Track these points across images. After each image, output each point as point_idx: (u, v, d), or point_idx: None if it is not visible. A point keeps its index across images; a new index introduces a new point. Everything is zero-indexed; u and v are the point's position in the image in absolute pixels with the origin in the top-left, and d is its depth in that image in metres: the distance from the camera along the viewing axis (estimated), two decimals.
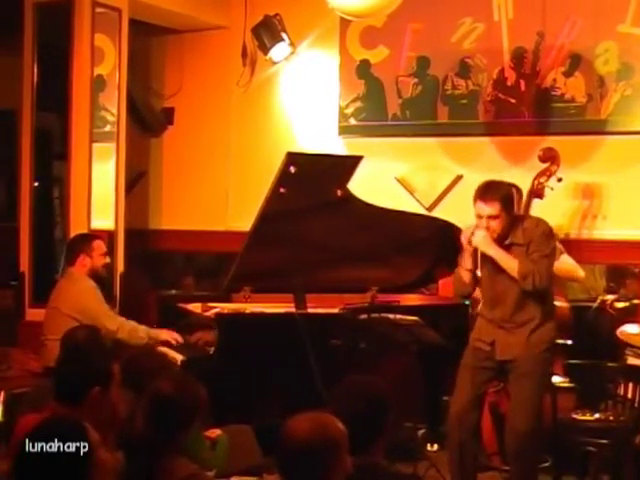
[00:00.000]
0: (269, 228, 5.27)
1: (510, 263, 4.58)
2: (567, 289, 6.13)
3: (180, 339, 5.51)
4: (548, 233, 4.70)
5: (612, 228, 6.31)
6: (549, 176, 5.82)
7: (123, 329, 5.41)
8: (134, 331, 5.44)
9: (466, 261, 4.69)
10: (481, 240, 4.57)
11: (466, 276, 4.74)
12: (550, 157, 5.87)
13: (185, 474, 3.03)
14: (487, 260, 4.63)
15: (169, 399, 3.14)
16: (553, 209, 5.97)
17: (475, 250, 4.62)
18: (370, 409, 3.01)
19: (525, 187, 5.89)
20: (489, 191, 4.59)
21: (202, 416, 3.26)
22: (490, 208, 4.55)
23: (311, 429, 2.65)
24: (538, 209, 5.72)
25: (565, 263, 5.85)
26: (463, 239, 4.66)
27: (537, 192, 5.82)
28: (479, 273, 4.64)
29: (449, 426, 4.80)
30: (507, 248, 4.62)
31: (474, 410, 4.76)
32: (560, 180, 5.83)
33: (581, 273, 5.95)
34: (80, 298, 5.48)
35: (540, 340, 4.65)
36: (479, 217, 4.59)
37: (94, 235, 5.98)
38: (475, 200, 4.62)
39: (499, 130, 6.70)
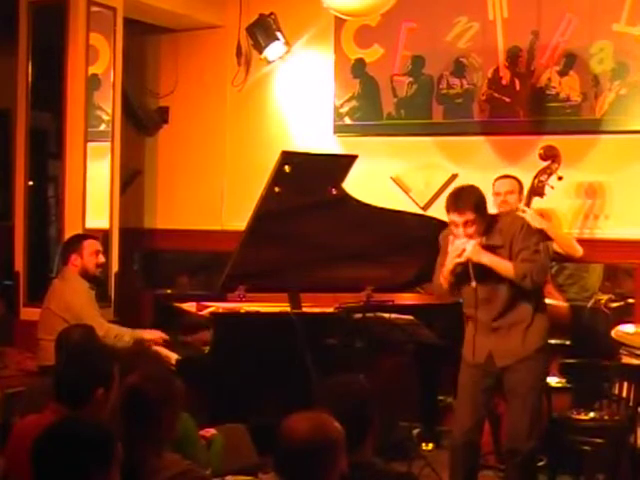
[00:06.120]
0: (264, 227, 5.27)
1: (505, 266, 4.54)
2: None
3: (164, 337, 5.51)
4: (527, 226, 4.71)
5: (607, 228, 6.31)
6: (550, 174, 5.74)
7: (109, 335, 5.34)
8: (120, 336, 5.39)
9: (446, 268, 4.63)
10: (472, 250, 4.52)
11: (445, 283, 4.69)
12: (551, 155, 5.80)
13: (178, 470, 3.03)
14: (475, 267, 4.55)
15: (135, 389, 3.14)
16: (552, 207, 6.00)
17: (465, 262, 4.55)
18: (356, 408, 3.01)
19: None
20: (460, 200, 4.54)
21: (180, 409, 3.25)
22: (464, 217, 4.50)
23: (311, 429, 2.65)
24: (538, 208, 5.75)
25: (569, 236, 5.93)
26: (451, 251, 4.59)
27: (538, 190, 5.74)
28: (473, 284, 4.55)
29: (453, 454, 4.75)
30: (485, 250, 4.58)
31: (479, 432, 4.75)
32: (561, 179, 5.78)
33: (579, 252, 5.90)
34: (68, 298, 5.46)
35: (536, 337, 4.64)
36: (455, 226, 4.55)
37: (87, 235, 5.94)
38: (448, 210, 4.58)
39: (494, 129, 6.68)
